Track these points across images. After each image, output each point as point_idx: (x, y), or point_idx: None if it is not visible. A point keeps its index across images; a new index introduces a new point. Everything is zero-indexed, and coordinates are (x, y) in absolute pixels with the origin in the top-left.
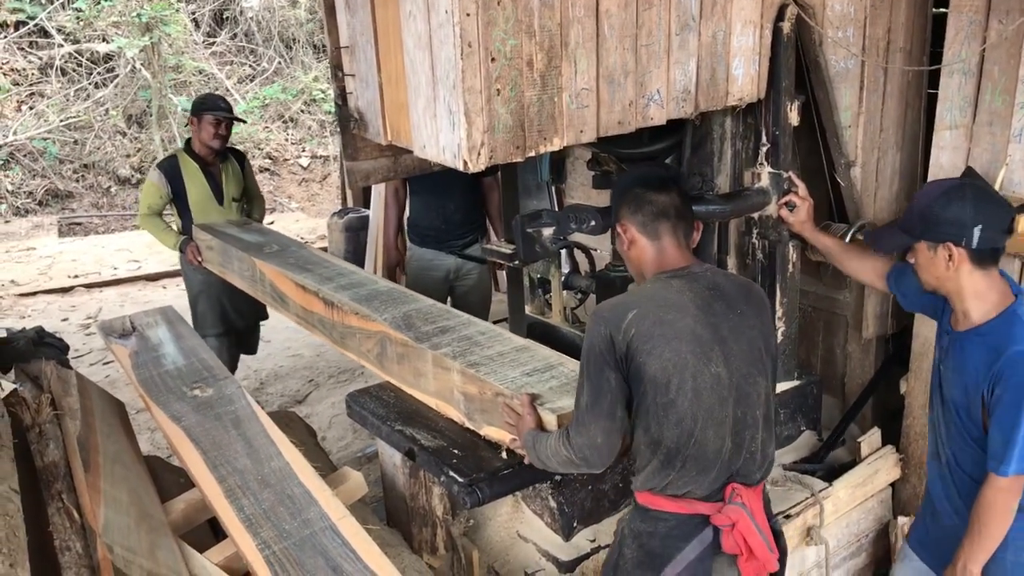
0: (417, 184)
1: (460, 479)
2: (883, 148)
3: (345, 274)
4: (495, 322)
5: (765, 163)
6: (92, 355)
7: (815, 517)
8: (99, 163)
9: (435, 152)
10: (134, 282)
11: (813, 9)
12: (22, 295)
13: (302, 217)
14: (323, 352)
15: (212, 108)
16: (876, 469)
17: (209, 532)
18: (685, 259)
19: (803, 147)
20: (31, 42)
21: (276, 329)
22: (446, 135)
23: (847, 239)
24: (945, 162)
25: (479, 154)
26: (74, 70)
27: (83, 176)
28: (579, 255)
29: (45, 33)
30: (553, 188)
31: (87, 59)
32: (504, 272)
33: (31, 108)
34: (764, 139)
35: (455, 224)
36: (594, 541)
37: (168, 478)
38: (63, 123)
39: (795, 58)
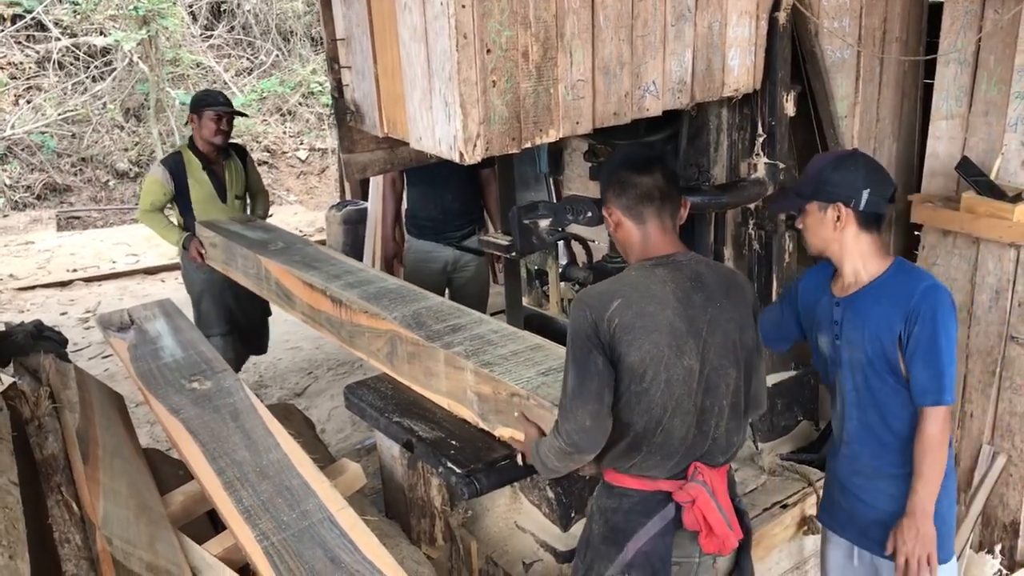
0: (415, 176)
1: (458, 470)
2: (879, 138)
3: (352, 271)
4: (492, 314)
5: (761, 154)
6: (91, 349)
7: (812, 506)
8: (97, 157)
9: (431, 144)
10: (132, 276)
11: None
12: (21, 289)
13: (300, 210)
14: (322, 345)
15: (211, 103)
16: None
17: (208, 524)
18: (670, 245)
19: (799, 137)
20: (28, 35)
21: (275, 322)
22: (442, 127)
23: None
24: (941, 152)
25: (475, 146)
26: (71, 64)
27: (81, 170)
28: (576, 246)
29: (42, 27)
30: (551, 180)
31: (84, 52)
32: (501, 264)
33: (28, 102)
34: (760, 130)
35: (453, 216)
36: None
37: (167, 470)
38: (61, 117)
39: (791, 48)
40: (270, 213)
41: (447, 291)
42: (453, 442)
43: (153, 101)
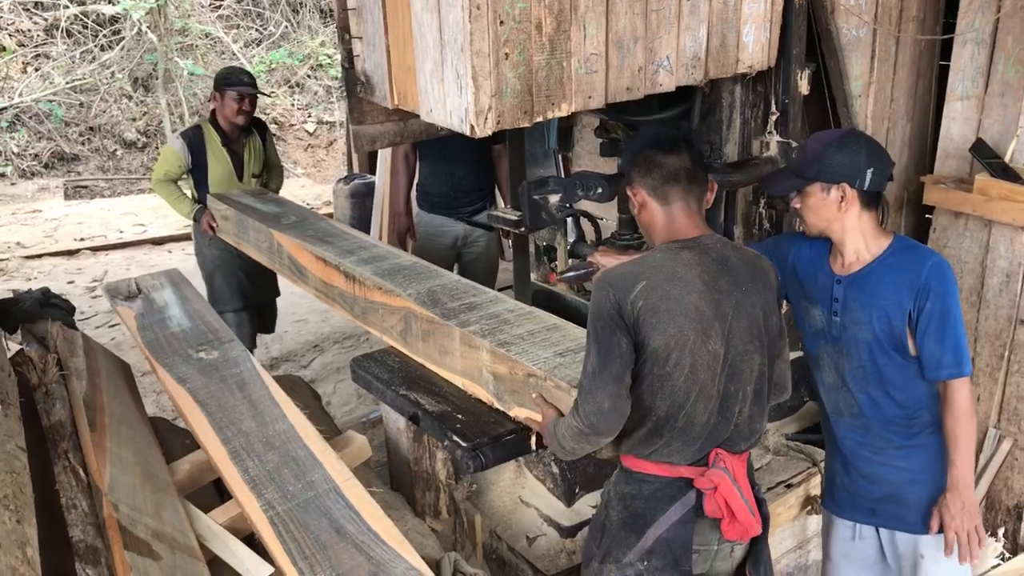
0: (426, 150)
1: (463, 443)
2: (893, 118)
3: (366, 247)
4: (500, 290)
5: (774, 132)
6: (98, 317)
7: (816, 486)
8: (105, 126)
9: (442, 116)
10: (140, 245)
11: None
12: (28, 257)
13: (308, 183)
14: (328, 318)
15: (235, 83)
16: None
17: (214, 493)
18: (696, 228)
19: (812, 116)
20: (36, 3)
21: (281, 295)
22: (453, 99)
23: None
24: (956, 133)
25: (486, 119)
26: (80, 32)
27: (89, 139)
28: (585, 223)
29: None
30: (560, 156)
31: (93, 21)
32: (510, 240)
33: (36, 70)
34: (773, 108)
35: (464, 191)
36: (596, 507)
37: (173, 439)
38: (68, 85)
39: (806, 26)
40: None
41: (456, 266)
42: (459, 415)
43: (162, 71)
